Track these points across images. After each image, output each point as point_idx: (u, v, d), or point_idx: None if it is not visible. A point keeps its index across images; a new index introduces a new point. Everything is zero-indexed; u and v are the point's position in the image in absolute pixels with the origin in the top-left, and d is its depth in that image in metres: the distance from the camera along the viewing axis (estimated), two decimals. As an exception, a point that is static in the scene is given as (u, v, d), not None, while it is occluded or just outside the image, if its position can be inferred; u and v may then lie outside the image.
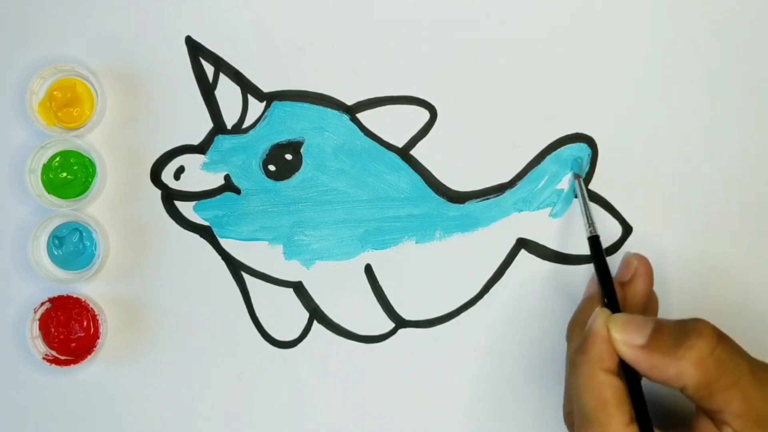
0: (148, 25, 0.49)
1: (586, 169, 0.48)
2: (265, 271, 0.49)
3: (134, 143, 0.49)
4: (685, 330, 0.37)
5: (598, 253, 0.44)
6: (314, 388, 0.48)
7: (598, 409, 0.38)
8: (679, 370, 0.36)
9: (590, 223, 0.45)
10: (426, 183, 0.49)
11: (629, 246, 0.48)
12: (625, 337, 0.38)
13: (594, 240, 0.44)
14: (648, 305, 0.44)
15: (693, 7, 0.49)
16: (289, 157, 0.49)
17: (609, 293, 0.42)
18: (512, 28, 0.49)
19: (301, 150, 0.49)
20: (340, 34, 0.49)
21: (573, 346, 0.41)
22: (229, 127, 0.49)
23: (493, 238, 0.48)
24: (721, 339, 0.37)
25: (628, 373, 0.39)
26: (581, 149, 0.48)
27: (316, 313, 0.49)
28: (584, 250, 0.48)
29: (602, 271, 0.43)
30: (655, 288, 0.47)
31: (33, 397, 0.48)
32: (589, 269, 0.48)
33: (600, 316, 0.39)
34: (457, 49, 0.49)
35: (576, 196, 0.47)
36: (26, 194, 0.48)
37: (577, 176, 0.48)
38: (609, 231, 0.48)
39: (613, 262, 0.48)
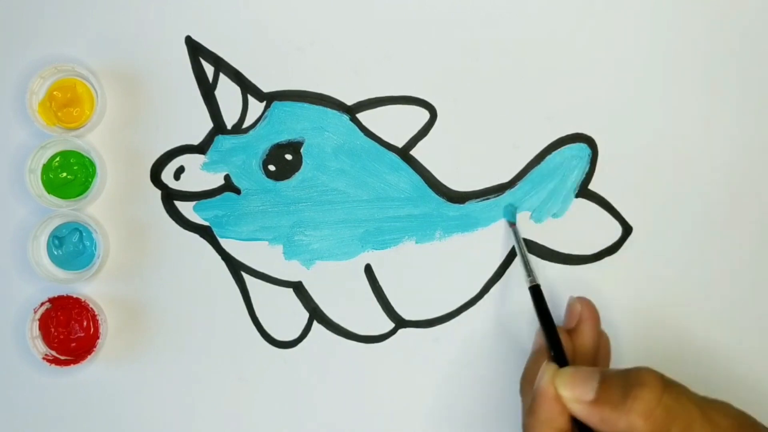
0: (148, 25, 0.49)
1: (516, 217, 0.48)
2: (265, 271, 0.49)
3: (134, 143, 0.49)
4: (630, 380, 0.37)
5: (540, 304, 0.43)
6: (314, 388, 0.48)
7: None
8: (628, 424, 0.36)
9: (529, 272, 0.45)
10: (426, 183, 0.49)
11: (629, 245, 0.48)
12: (573, 393, 0.38)
13: (535, 290, 0.44)
14: (599, 349, 0.44)
15: (693, 7, 0.49)
16: (289, 157, 0.49)
17: (554, 345, 0.42)
18: (512, 28, 0.49)
19: (301, 150, 0.49)
20: (340, 34, 0.49)
21: (525, 402, 0.41)
22: (229, 127, 0.49)
23: (493, 238, 0.48)
24: (667, 386, 0.36)
25: (581, 429, 0.38)
26: (581, 149, 0.48)
27: (316, 313, 0.49)
28: (584, 250, 0.48)
29: (546, 322, 0.43)
30: (656, 289, 0.47)
31: (33, 397, 0.48)
32: (590, 269, 0.48)
33: (546, 373, 0.39)
34: (457, 49, 0.49)
35: (515, 245, 0.47)
36: (26, 194, 0.48)
37: (511, 224, 0.47)
38: (609, 231, 0.48)
39: (614, 261, 0.48)
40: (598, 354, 0.44)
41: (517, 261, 0.47)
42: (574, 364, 0.40)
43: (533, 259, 0.47)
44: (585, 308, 0.44)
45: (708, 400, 0.37)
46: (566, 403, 0.38)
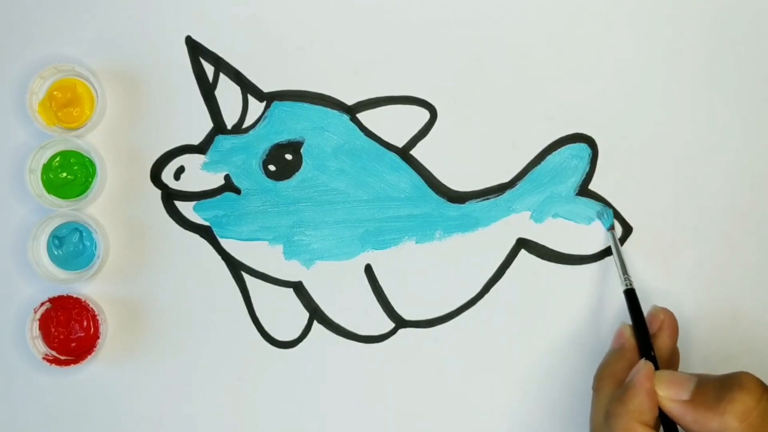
0: (148, 25, 0.49)
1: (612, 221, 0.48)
2: (265, 271, 0.49)
3: (134, 143, 0.49)
4: (729, 383, 0.37)
5: (635, 307, 0.44)
6: (314, 388, 0.48)
7: None
8: (722, 424, 0.37)
9: (626, 276, 0.45)
10: (426, 183, 0.49)
11: (630, 245, 0.48)
12: (670, 392, 0.39)
13: (630, 293, 0.45)
14: (673, 357, 0.44)
15: (693, 7, 0.49)
16: (289, 157, 0.49)
17: (649, 347, 0.43)
18: (512, 29, 0.49)
19: (301, 150, 0.49)
20: (340, 34, 0.49)
21: (605, 395, 0.42)
22: (229, 127, 0.49)
23: (493, 238, 0.48)
24: (766, 391, 0.37)
25: (667, 428, 0.39)
26: (581, 149, 0.48)
27: (316, 313, 0.49)
28: (584, 250, 0.48)
29: (640, 325, 0.44)
30: (656, 289, 0.47)
31: (33, 397, 0.48)
32: (590, 269, 0.48)
33: (644, 369, 0.40)
34: (457, 49, 0.49)
35: (612, 249, 0.47)
36: (26, 194, 0.48)
37: (611, 228, 0.47)
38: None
39: (614, 261, 0.48)
40: (672, 362, 0.44)
41: (612, 263, 0.47)
42: None
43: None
44: (667, 318, 0.44)
45: None
46: (660, 401, 0.39)
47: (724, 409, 0.37)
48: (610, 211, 0.48)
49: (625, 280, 0.45)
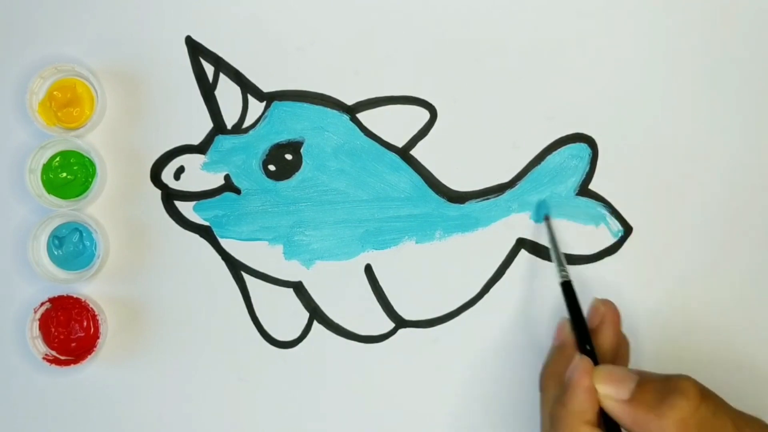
0: (148, 25, 0.49)
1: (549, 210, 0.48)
2: (265, 271, 0.49)
3: (134, 143, 0.49)
4: (669, 387, 0.37)
5: (571, 300, 0.43)
6: (314, 388, 0.48)
7: None
8: (661, 429, 0.36)
9: (562, 267, 0.44)
10: (426, 183, 0.49)
11: (630, 245, 0.48)
12: (609, 390, 0.38)
13: (566, 285, 0.44)
14: (618, 350, 0.44)
15: (693, 7, 0.49)
16: (289, 157, 0.49)
17: (586, 341, 0.42)
18: (513, 29, 0.49)
19: (301, 150, 0.49)
20: (340, 34, 0.49)
21: (548, 396, 0.41)
22: (229, 127, 0.49)
23: (493, 238, 0.48)
24: (705, 398, 0.37)
25: (608, 426, 0.39)
26: (581, 149, 0.48)
27: (316, 313, 0.49)
28: (584, 250, 0.48)
29: (577, 319, 0.43)
30: (656, 289, 0.47)
31: (33, 397, 0.48)
32: (590, 269, 0.48)
33: (581, 365, 0.39)
34: (457, 49, 0.49)
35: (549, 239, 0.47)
36: (26, 194, 0.48)
37: (546, 217, 0.47)
38: (609, 231, 0.48)
39: (614, 261, 0.48)
40: (617, 356, 0.44)
41: (552, 256, 0.47)
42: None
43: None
44: (608, 310, 0.43)
45: (744, 417, 0.37)
46: (600, 399, 0.38)
47: (664, 413, 0.36)
48: (545, 201, 0.47)
49: (561, 272, 0.44)
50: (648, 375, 0.38)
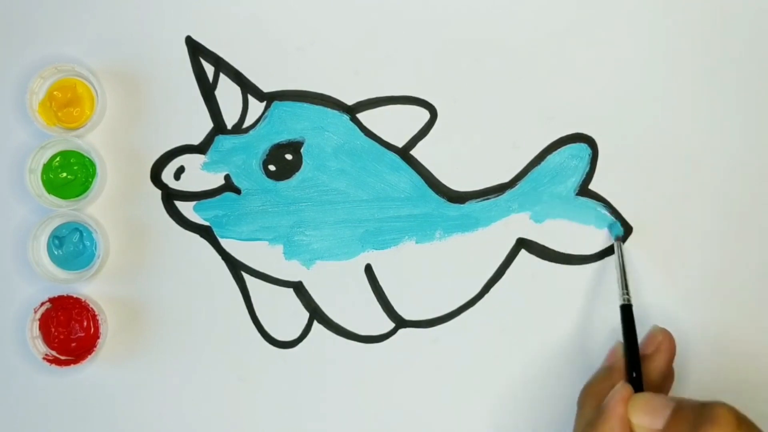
0: (148, 25, 0.49)
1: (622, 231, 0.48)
2: (265, 271, 0.49)
3: (134, 143, 0.49)
4: (703, 415, 0.36)
5: (629, 324, 0.43)
6: (314, 388, 0.48)
7: None
8: None
9: (625, 290, 0.45)
10: (426, 183, 0.49)
11: (630, 245, 0.48)
12: (643, 420, 0.38)
13: (626, 309, 0.44)
14: (665, 382, 0.43)
15: (692, 7, 0.49)
16: (289, 157, 0.49)
17: (635, 368, 0.42)
18: (512, 29, 0.49)
19: (301, 150, 0.49)
20: (340, 34, 0.49)
21: (585, 414, 0.41)
22: (229, 127, 0.49)
23: (493, 238, 0.48)
24: (742, 425, 0.36)
25: None
26: (581, 149, 0.48)
27: (316, 313, 0.49)
28: (584, 250, 0.48)
29: (631, 344, 0.43)
30: (656, 289, 0.47)
31: (33, 397, 0.48)
32: (590, 269, 0.48)
33: (620, 392, 0.39)
34: (457, 49, 0.49)
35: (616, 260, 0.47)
36: (26, 194, 0.48)
37: (618, 239, 0.47)
38: (609, 231, 0.48)
39: (614, 261, 0.48)
40: (662, 388, 0.43)
41: (615, 278, 0.47)
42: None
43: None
44: (665, 339, 0.43)
45: None
46: (634, 428, 0.38)
47: None
48: (618, 223, 0.48)
49: (624, 295, 0.44)
50: (684, 402, 0.38)
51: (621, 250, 0.47)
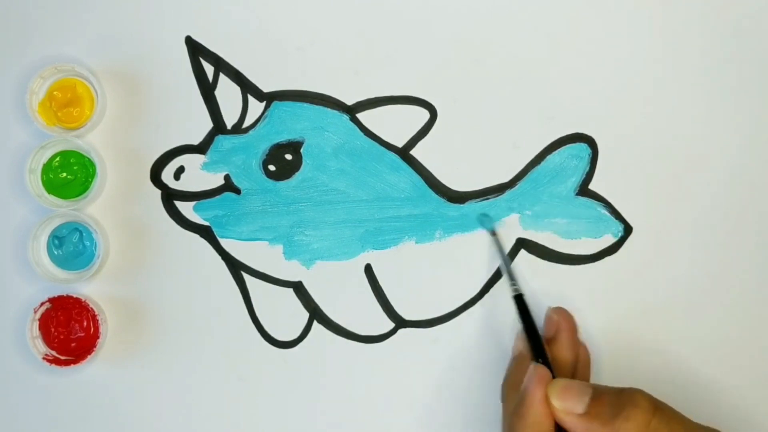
0: (148, 25, 0.49)
1: (496, 224, 0.48)
2: (265, 271, 0.49)
3: (134, 143, 0.49)
4: (622, 400, 0.37)
5: (524, 313, 0.44)
6: (314, 388, 0.48)
7: None
8: None
9: (513, 281, 0.45)
10: (426, 183, 0.49)
11: (629, 245, 0.48)
12: (564, 404, 0.39)
13: (518, 299, 0.45)
14: (578, 359, 0.44)
15: (692, 7, 0.49)
16: (289, 157, 0.49)
17: (540, 353, 0.42)
18: (512, 29, 0.49)
19: (301, 150, 0.49)
20: (340, 34, 0.49)
21: (508, 406, 0.42)
22: (229, 127, 0.49)
23: (493, 238, 0.48)
24: (658, 409, 0.37)
25: None
26: (581, 149, 0.48)
27: (316, 313, 0.49)
28: (584, 250, 0.48)
29: (531, 331, 0.43)
30: (656, 289, 0.47)
31: (33, 397, 0.48)
32: (590, 269, 0.48)
33: (534, 374, 0.40)
34: (457, 49, 0.49)
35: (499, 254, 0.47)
36: (26, 194, 0.48)
37: (492, 233, 0.47)
38: (609, 231, 0.48)
39: (614, 261, 0.48)
40: (577, 364, 0.44)
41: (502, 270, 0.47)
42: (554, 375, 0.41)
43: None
44: (562, 319, 0.44)
45: (699, 427, 0.38)
46: (555, 413, 0.39)
47: (618, 426, 0.37)
48: (490, 217, 0.48)
49: (512, 286, 0.45)
50: (602, 388, 0.39)
51: (500, 242, 0.47)
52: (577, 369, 0.44)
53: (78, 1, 0.49)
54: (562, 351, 0.43)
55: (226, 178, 0.49)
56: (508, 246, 0.48)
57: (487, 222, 0.47)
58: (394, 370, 0.48)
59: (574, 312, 0.47)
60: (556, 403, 0.39)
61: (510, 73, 0.49)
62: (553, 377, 0.40)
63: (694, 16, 0.49)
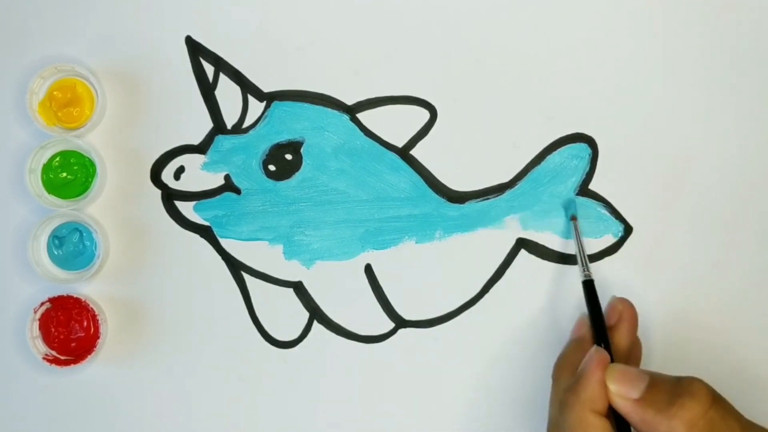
0: (148, 25, 0.49)
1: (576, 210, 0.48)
2: (265, 271, 0.49)
3: (134, 143, 0.49)
4: (680, 389, 0.37)
5: (592, 298, 0.44)
6: (314, 388, 0.48)
7: None
8: (669, 429, 0.37)
9: (585, 266, 0.45)
10: (426, 183, 0.49)
11: (630, 245, 0.48)
12: (620, 388, 0.39)
13: (588, 284, 0.45)
14: (632, 350, 0.44)
15: (692, 7, 0.49)
16: (289, 157, 0.49)
17: (603, 338, 0.43)
18: (512, 29, 0.49)
19: (301, 150, 0.49)
20: (340, 34, 0.49)
21: (560, 385, 0.42)
22: (229, 127, 0.49)
23: (493, 238, 0.48)
24: (716, 401, 0.37)
25: (618, 419, 0.39)
26: (581, 149, 0.48)
27: (316, 313, 0.49)
28: (584, 250, 0.48)
29: (596, 316, 0.44)
30: (656, 289, 0.47)
31: (33, 397, 0.48)
32: (590, 269, 0.48)
33: (596, 356, 0.40)
34: (457, 50, 0.49)
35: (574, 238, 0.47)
36: (26, 194, 0.48)
37: (573, 218, 0.47)
38: (609, 231, 0.48)
39: (614, 261, 0.48)
40: (631, 356, 0.44)
41: (576, 254, 0.47)
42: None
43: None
44: (626, 309, 0.44)
45: (753, 425, 0.38)
46: (611, 397, 0.39)
47: (674, 414, 0.37)
48: (574, 201, 0.48)
49: (584, 271, 0.45)
50: (659, 376, 0.39)
51: (578, 229, 0.47)
52: (630, 360, 0.44)
53: (78, 1, 0.49)
54: (620, 340, 0.43)
55: (226, 178, 0.49)
56: (508, 245, 0.48)
57: (572, 207, 0.47)
58: (394, 370, 0.48)
59: (572, 312, 0.47)
60: (613, 386, 0.39)
61: (510, 73, 0.49)
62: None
63: (694, 16, 0.49)
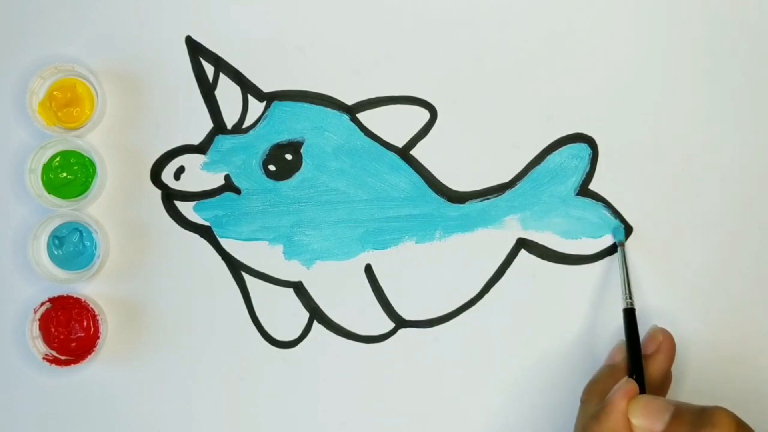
0: (148, 25, 0.49)
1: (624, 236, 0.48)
2: (265, 271, 0.49)
3: (134, 143, 0.49)
4: (703, 420, 0.37)
5: (632, 327, 0.44)
6: (314, 388, 0.48)
7: None
8: None
9: (628, 294, 0.45)
10: (426, 183, 0.49)
11: (629, 245, 0.48)
12: (643, 422, 0.39)
13: (629, 312, 0.45)
14: (664, 382, 0.44)
15: (692, 7, 0.49)
16: (289, 157, 0.49)
17: (636, 370, 0.43)
18: (512, 28, 0.49)
19: (301, 150, 0.49)
20: (340, 34, 0.49)
21: (588, 408, 0.42)
22: (229, 127, 0.49)
23: (493, 238, 0.48)
24: (741, 430, 0.36)
25: None
26: (581, 149, 0.48)
27: (316, 313, 0.49)
28: (584, 250, 0.48)
29: (634, 347, 0.44)
30: (656, 289, 0.47)
31: (33, 397, 0.48)
32: (590, 269, 0.48)
33: (623, 388, 0.40)
34: (457, 49, 0.49)
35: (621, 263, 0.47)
36: (26, 194, 0.48)
37: (621, 244, 0.47)
38: (609, 231, 0.48)
39: (614, 261, 0.48)
40: (663, 387, 0.44)
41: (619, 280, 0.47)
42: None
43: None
44: (666, 340, 0.44)
45: None
46: (634, 429, 0.39)
47: None
48: (622, 227, 0.48)
49: (627, 299, 0.45)
50: (684, 406, 0.38)
51: (624, 255, 0.47)
52: (660, 392, 0.44)
53: (78, 1, 0.49)
54: (655, 371, 0.43)
55: (226, 178, 0.49)
56: (508, 245, 0.48)
57: (619, 233, 0.47)
58: (394, 370, 0.48)
59: (572, 312, 0.47)
60: (635, 420, 0.39)
61: (510, 73, 0.49)
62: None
63: (694, 16, 0.49)
